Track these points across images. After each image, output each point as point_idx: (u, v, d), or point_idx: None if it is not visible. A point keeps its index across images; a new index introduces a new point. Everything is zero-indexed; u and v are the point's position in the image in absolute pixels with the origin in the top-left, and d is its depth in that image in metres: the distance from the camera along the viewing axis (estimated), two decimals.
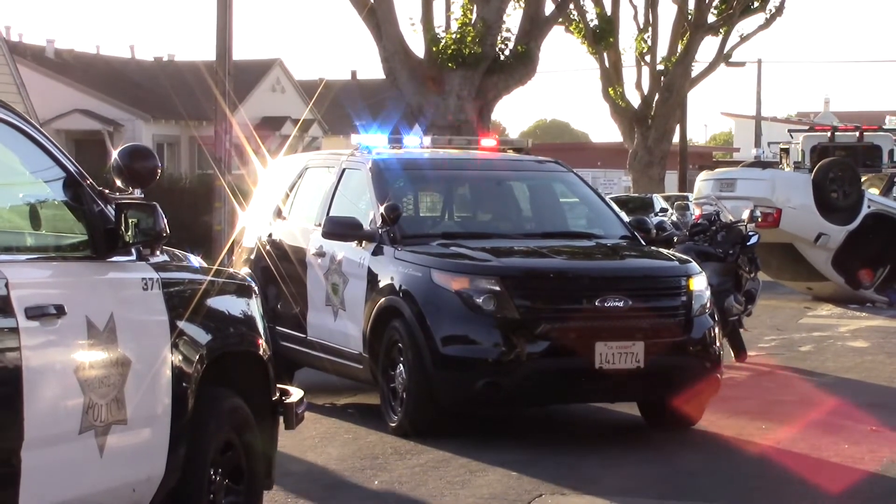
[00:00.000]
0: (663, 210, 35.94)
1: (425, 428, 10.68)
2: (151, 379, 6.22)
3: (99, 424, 5.82)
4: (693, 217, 17.44)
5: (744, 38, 44.44)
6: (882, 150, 28.95)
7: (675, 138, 47.24)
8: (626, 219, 12.67)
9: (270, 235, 13.22)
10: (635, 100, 43.85)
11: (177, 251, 6.95)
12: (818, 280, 23.73)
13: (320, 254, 12.19)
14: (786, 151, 30.46)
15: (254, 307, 7.26)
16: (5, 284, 5.40)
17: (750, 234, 15.89)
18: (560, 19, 33.14)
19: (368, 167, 12.17)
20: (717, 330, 11.19)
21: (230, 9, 24.45)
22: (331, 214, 12.10)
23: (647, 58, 44.07)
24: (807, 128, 32.65)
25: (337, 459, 9.94)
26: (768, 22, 43.43)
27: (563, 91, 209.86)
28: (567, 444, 10.66)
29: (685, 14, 42.84)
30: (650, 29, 44.31)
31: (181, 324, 6.46)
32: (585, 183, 12.98)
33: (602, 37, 42.26)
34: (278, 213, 13.30)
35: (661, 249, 12.05)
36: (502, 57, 27.04)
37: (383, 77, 27.85)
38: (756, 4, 43.25)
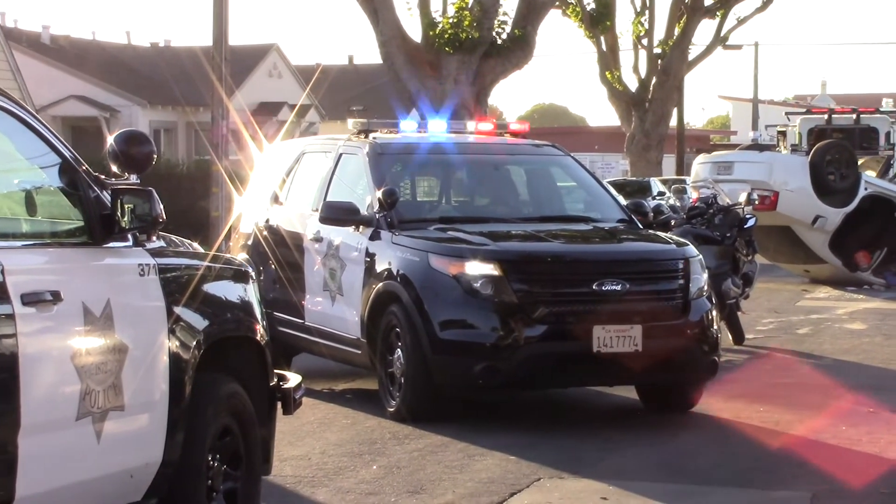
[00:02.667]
0: (661, 193, 35.87)
1: (423, 413, 10.67)
2: (148, 365, 6.21)
3: (96, 411, 5.81)
4: (690, 200, 17.37)
5: (741, 21, 44.30)
6: (879, 133, 28.87)
7: (673, 121, 47.17)
8: (624, 202, 12.65)
9: (268, 221, 13.20)
10: (632, 83, 43.75)
11: (173, 237, 6.94)
12: (815, 262, 23.74)
13: (318, 239, 12.18)
14: (783, 134, 30.40)
15: (251, 292, 7.25)
16: (1, 271, 5.39)
17: (747, 216, 15.89)
18: (557, 3, 33.08)
19: (365, 152, 12.15)
20: (714, 313, 11.18)
21: None
22: (328, 199, 12.08)
23: (645, 41, 43.95)
24: (804, 110, 32.59)
25: (335, 444, 9.94)
26: (765, 4, 43.28)
27: (561, 75, 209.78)
28: (565, 428, 10.66)
29: None
30: (647, 12, 44.19)
31: (178, 309, 6.45)
32: (583, 167, 12.97)
33: (599, 20, 42.15)
34: (275, 199, 13.28)
35: (659, 233, 12.04)
36: (499, 41, 26.95)
37: (380, 62, 27.78)
38: None
